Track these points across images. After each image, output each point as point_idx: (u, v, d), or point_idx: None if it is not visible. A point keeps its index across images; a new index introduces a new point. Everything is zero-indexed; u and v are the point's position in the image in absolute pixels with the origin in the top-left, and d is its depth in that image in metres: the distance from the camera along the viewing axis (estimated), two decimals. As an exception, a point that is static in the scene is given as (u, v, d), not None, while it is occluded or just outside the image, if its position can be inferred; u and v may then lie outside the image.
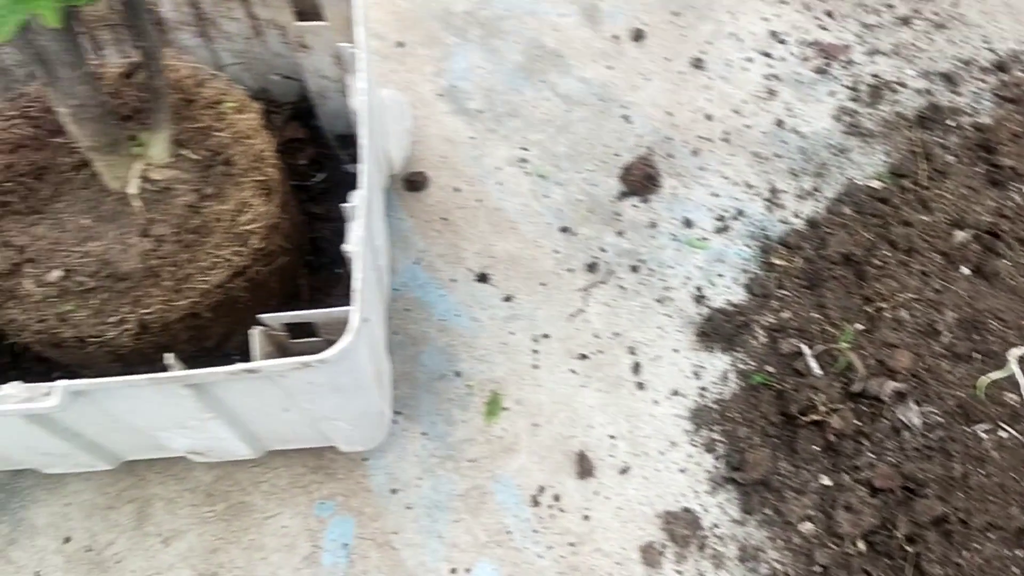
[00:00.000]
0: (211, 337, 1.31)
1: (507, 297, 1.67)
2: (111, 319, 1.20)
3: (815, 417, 1.49)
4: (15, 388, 1.06)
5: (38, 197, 1.28)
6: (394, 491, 1.51)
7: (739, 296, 1.65)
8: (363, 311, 1.07)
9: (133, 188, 1.24)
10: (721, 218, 1.73)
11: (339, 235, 1.55)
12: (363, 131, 1.16)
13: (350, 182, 1.63)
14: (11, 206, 1.27)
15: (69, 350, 1.24)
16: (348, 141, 1.67)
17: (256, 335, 1.11)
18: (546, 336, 1.63)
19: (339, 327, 1.14)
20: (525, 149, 1.83)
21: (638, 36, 1.95)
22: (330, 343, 1.18)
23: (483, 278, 1.69)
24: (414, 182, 1.77)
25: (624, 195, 1.76)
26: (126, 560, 1.46)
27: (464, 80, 1.92)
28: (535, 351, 1.62)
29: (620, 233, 1.73)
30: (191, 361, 1.36)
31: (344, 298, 1.48)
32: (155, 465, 1.53)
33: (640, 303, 1.66)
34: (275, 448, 1.46)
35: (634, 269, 1.69)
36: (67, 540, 1.48)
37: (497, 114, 1.87)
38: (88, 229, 1.25)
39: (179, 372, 1.04)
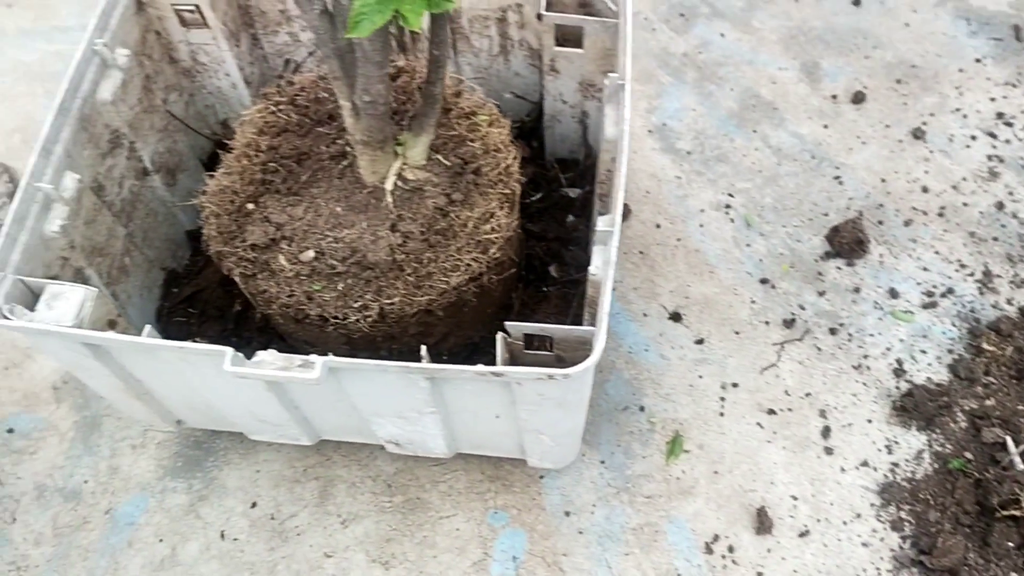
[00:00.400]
0: (433, 335, 1.36)
1: (699, 340, 1.67)
2: (355, 304, 1.26)
3: (1015, 512, 1.43)
4: (270, 355, 1.13)
5: (297, 180, 1.36)
6: (568, 513, 1.52)
7: (942, 376, 1.60)
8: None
9: (389, 184, 1.31)
10: (929, 293, 1.68)
11: (551, 255, 1.59)
12: (622, 159, 1.19)
13: (565, 205, 1.67)
14: (273, 185, 1.35)
15: (308, 327, 1.31)
16: (568, 165, 1.71)
17: (500, 340, 1.14)
18: (735, 385, 1.62)
19: (575, 345, 1.16)
20: (731, 196, 1.83)
21: (858, 99, 1.93)
22: (559, 359, 1.21)
23: (676, 317, 1.69)
24: (617, 213, 1.79)
25: (829, 255, 1.74)
26: (306, 534, 1.51)
27: (675, 120, 1.94)
28: (722, 398, 1.61)
29: (821, 293, 1.70)
30: (407, 356, 1.41)
31: (552, 316, 1.52)
32: (341, 448, 1.59)
33: (836, 367, 1.63)
34: (465, 451, 1.50)
35: (832, 332, 1.66)
36: (253, 505, 1.55)
37: (705, 157, 1.88)
38: (340, 216, 1.31)
39: (428, 364, 1.09)
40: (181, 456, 1.60)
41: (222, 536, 1.52)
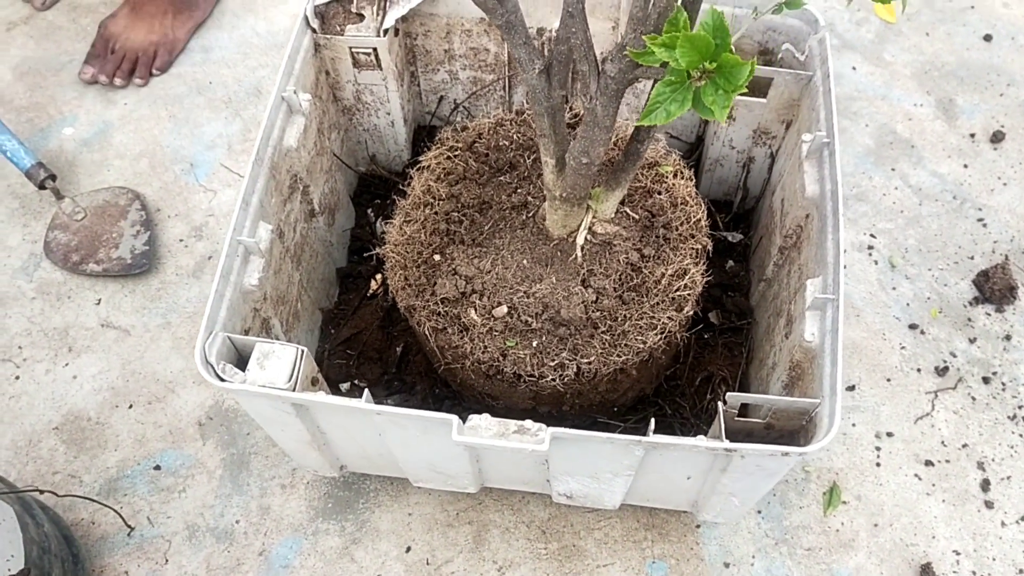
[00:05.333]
0: (619, 391, 1.34)
1: (850, 386, 1.65)
2: (551, 362, 1.24)
3: None
4: (484, 420, 1.11)
5: (480, 231, 1.34)
6: (727, 565, 1.50)
7: (1102, 430, 1.58)
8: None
9: (581, 239, 1.29)
10: (1084, 344, 1.67)
11: (711, 301, 1.57)
12: (837, 221, 1.17)
13: (723, 249, 1.65)
14: (457, 235, 1.33)
15: (498, 382, 1.29)
16: (719, 206, 1.69)
17: (721, 412, 1.12)
18: (890, 435, 1.60)
19: (791, 415, 1.15)
20: (873, 236, 1.81)
21: (996, 138, 1.90)
22: (768, 427, 1.19)
23: (824, 362, 1.67)
24: (757, 253, 1.77)
25: (978, 301, 1.72)
26: (462, 580, 1.50)
27: (810, 156, 1.91)
28: (877, 448, 1.59)
29: (972, 340, 1.68)
30: (589, 411, 1.39)
31: (724, 367, 1.49)
32: (492, 492, 1.57)
33: (991, 417, 1.61)
34: (632, 503, 1.48)
35: (986, 380, 1.64)
36: (408, 550, 1.53)
37: (844, 196, 1.86)
38: (527, 270, 1.30)
39: (658, 438, 1.07)
40: (331, 497, 1.58)
41: (379, 581, 1.51)
